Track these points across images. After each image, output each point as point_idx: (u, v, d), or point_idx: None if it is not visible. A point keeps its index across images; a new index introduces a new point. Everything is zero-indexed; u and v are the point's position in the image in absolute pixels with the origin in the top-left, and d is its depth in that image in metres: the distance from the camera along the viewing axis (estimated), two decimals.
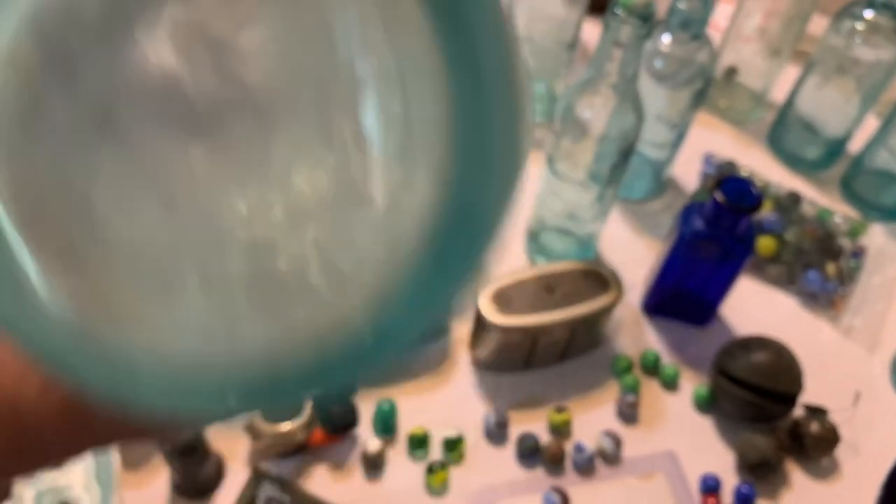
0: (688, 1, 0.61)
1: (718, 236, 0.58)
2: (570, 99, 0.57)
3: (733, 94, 0.83)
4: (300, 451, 0.56)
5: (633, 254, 0.69)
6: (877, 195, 0.74)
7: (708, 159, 0.76)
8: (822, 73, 0.72)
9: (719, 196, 0.55)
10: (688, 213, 0.59)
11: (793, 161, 0.79)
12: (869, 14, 0.67)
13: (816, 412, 0.59)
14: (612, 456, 0.58)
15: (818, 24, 0.74)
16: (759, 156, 0.79)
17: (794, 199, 0.71)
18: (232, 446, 0.56)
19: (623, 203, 0.74)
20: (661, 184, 0.74)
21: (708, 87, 0.66)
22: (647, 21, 0.52)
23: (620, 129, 0.57)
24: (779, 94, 0.80)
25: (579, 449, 0.57)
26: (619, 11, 0.51)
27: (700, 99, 0.66)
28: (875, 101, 0.73)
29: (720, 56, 0.81)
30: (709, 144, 0.78)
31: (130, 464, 0.55)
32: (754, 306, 0.68)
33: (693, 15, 0.61)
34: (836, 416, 0.60)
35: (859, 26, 0.68)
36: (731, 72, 0.82)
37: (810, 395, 0.60)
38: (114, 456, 0.55)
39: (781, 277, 0.68)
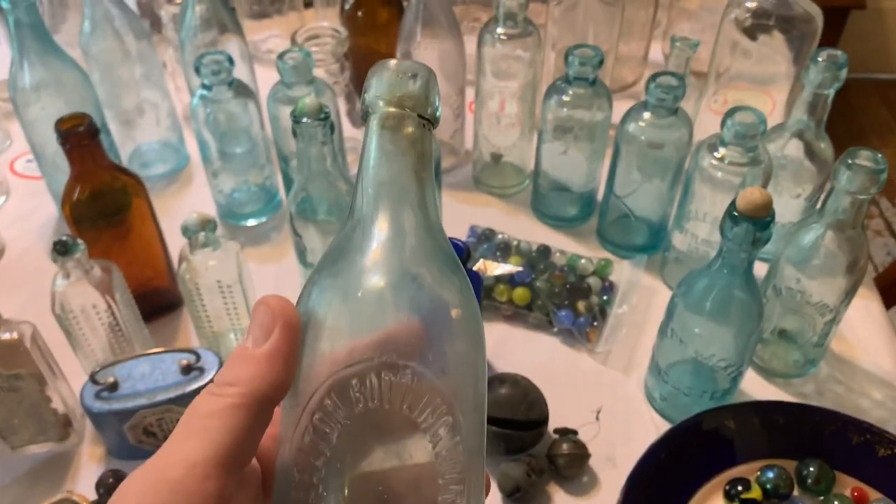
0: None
1: None
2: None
3: (502, 173, 0.93)
4: None
5: None
6: (623, 237, 0.84)
7: (472, 230, 0.84)
8: (553, 138, 0.82)
9: None
10: None
11: (555, 220, 0.88)
12: (570, 88, 0.78)
13: (566, 433, 0.65)
14: None
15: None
16: (524, 221, 0.89)
17: (544, 251, 0.80)
18: None
19: None
20: None
21: (440, 168, 0.76)
22: (327, 119, 0.61)
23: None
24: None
25: None
26: (303, 120, 0.61)
27: (438, 175, 0.76)
28: (601, 157, 0.83)
29: (479, 143, 0.92)
30: (481, 220, 0.87)
31: None
32: (520, 351, 0.75)
33: None
34: (585, 435, 0.66)
35: (566, 97, 0.79)
36: (497, 156, 0.93)
37: (572, 421, 0.66)
38: None
39: (541, 322, 0.76)
